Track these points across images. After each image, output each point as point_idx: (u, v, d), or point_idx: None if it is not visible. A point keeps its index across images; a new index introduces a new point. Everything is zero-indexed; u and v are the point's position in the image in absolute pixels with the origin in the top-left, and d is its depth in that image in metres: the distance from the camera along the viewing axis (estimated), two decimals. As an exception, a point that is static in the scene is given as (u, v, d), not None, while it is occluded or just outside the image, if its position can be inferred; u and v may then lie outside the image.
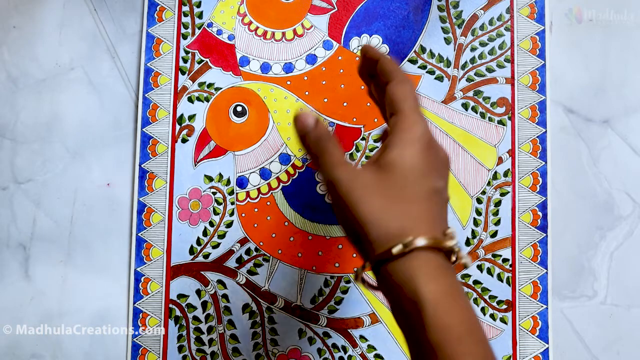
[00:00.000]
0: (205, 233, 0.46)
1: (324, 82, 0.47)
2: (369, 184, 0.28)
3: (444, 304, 0.25)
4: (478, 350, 0.25)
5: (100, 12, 0.48)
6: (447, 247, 0.27)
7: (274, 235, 0.46)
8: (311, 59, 0.47)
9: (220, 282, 0.45)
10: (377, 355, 0.45)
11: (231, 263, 0.46)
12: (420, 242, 0.26)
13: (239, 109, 0.47)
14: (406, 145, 0.29)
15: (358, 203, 0.28)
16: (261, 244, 0.46)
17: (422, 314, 0.25)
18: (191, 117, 0.47)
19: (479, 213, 0.46)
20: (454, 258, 0.28)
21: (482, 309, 0.45)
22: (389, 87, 0.31)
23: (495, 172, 0.46)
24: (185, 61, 0.47)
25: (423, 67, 0.47)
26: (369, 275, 0.29)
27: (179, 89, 0.47)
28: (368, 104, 0.46)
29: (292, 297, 0.45)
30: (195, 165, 0.46)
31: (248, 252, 0.46)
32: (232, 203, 0.46)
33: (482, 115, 0.47)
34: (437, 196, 0.29)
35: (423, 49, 0.47)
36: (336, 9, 0.48)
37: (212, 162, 0.46)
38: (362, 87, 0.36)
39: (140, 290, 0.45)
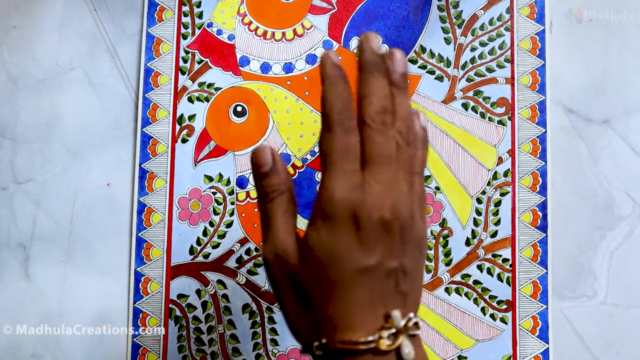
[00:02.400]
0: (205, 233, 0.46)
1: (324, 82, 0.47)
2: (292, 276, 0.26)
3: None
4: None
5: (100, 12, 0.48)
6: (361, 347, 0.24)
7: (274, 235, 0.46)
8: (311, 59, 0.47)
9: (220, 282, 0.45)
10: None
11: (231, 263, 0.46)
12: (335, 344, 0.24)
13: (239, 109, 0.47)
14: (320, 224, 0.25)
15: (281, 298, 0.27)
16: (261, 244, 0.46)
17: None
18: (191, 117, 0.47)
19: (479, 213, 0.46)
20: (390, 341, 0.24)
21: (482, 309, 0.45)
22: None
23: (495, 172, 0.46)
24: (185, 61, 0.47)
25: (423, 67, 0.47)
26: None
27: (179, 89, 0.47)
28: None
29: (292, 297, 0.45)
30: (195, 165, 0.46)
31: (248, 252, 0.46)
32: (232, 203, 0.46)
33: (482, 115, 0.47)
34: (367, 276, 0.25)
35: (423, 49, 0.47)
36: (336, 9, 0.48)
37: (212, 162, 0.46)
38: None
39: (140, 290, 0.45)
